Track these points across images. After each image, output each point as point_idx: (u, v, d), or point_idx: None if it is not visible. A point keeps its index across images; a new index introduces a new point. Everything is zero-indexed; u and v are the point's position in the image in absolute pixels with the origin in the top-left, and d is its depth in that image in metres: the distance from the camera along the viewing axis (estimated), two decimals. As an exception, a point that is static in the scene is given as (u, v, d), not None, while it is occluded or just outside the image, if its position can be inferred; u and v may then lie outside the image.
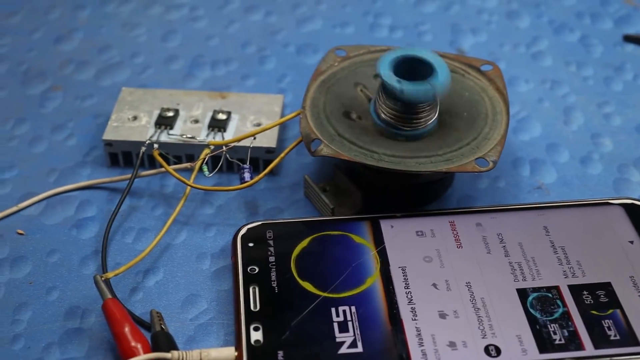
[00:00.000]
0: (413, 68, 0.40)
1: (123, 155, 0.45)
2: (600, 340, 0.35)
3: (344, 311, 0.37)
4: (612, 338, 0.36)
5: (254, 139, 0.43)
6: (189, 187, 0.42)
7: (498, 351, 0.35)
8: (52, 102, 0.50)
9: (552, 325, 0.36)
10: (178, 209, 0.42)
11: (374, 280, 0.38)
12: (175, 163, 0.44)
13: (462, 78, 0.44)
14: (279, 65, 0.53)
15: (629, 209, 0.41)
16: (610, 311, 0.37)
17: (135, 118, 0.46)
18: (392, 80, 0.39)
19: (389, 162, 0.39)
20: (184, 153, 0.45)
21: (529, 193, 0.44)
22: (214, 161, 0.44)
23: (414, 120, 0.41)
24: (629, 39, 0.54)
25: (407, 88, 0.39)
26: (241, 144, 0.43)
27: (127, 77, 0.52)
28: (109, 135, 0.45)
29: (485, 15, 0.57)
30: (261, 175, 0.42)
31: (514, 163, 0.46)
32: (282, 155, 0.42)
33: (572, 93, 0.51)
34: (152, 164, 0.45)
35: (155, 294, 0.39)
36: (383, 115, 0.41)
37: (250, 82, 0.52)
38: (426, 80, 0.39)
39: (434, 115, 0.41)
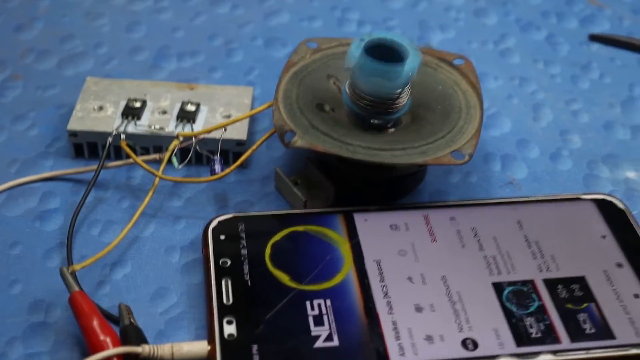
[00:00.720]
0: (383, 54, 0.40)
1: (88, 146, 0.44)
2: (576, 333, 0.35)
3: (319, 304, 0.36)
4: (587, 331, 0.36)
5: (225, 130, 0.42)
6: (157, 178, 0.41)
7: (475, 345, 0.35)
8: (12, 91, 0.49)
9: (528, 318, 0.36)
10: (147, 200, 0.40)
11: (347, 273, 0.37)
12: (143, 155, 0.43)
13: (434, 72, 0.44)
14: (246, 58, 0.52)
15: (600, 205, 0.42)
16: (585, 305, 0.37)
17: (101, 108, 0.44)
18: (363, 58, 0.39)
19: (364, 154, 0.39)
20: (151, 145, 0.43)
21: (500, 188, 0.44)
22: (183, 153, 0.43)
23: (391, 105, 0.40)
24: (594, 38, 0.55)
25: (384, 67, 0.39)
26: (211, 135, 0.42)
27: (91, 68, 0.50)
28: (73, 125, 0.43)
29: (453, 12, 0.57)
30: (232, 167, 0.41)
31: (485, 158, 0.46)
32: (254, 147, 0.41)
33: (541, 90, 0.51)
34: (118, 155, 0.44)
35: (123, 288, 0.38)
36: (357, 102, 0.40)
37: (217, 75, 0.51)
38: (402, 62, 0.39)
39: (406, 99, 0.41)
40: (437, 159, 0.39)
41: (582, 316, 0.36)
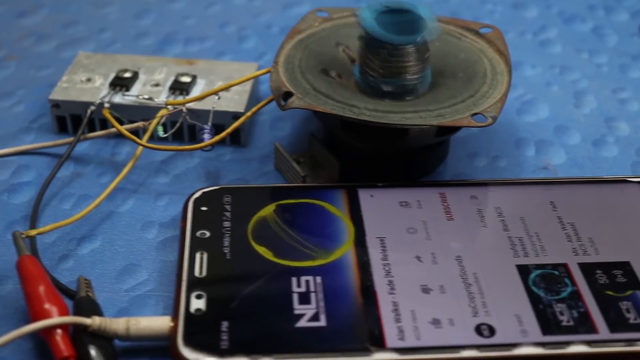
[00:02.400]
0: (397, 21, 0.36)
1: (72, 119, 0.40)
2: (617, 323, 0.29)
3: (307, 281, 0.30)
4: (631, 321, 0.29)
5: (218, 98, 0.38)
6: (140, 148, 0.37)
7: (492, 331, 0.29)
8: (3, 70, 0.45)
9: (558, 305, 0.30)
10: (125, 170, 0.36)
11: (345, 250, 0.32)
12: (130, 128, 0.39)
13: (458, 40, 0.39)
14: (259, 43, 0.48)
15: (651, 187, 0.36)
16: (630, 292, 0.30)
17: (89, 80, 0.40)
18: (378, 30, 0.34)
19: (370, 116, 0.34)
20: (140, 117, 0.39)
21: (533, 173, 0.38)
22: (173, 125, 0.38)
23: (403, 69, 0.35)
24: (647, 29, 0.49)
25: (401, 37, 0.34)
26: (204, 107, 0.38)
27: (91, 50, 0.47)
28: (56, 95, 0.40)
29: (489, 5, 0.52)
30: (222, 134, 0.36)
31: (517, 143, 0.40)
32: (248, 113, 0.37)
33: (584, 78, 0.45)
34: (105, 128, 0.40)
35: (87, 263, 0.33)
36: (370, 72, 0.36)
37: (225, 59, 0.47)
38: (415, 28, 0.35)
39: (424, 68, 0.36)
40: (456, 121, 0.33)
41: (625, 304, 0.30)
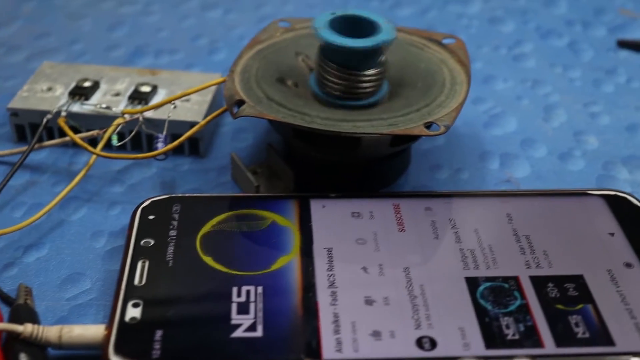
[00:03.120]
0: (352, 29, 0.35)
1: (30, 128, 0.39)
2: (564, 337, 0.28)
3: (248, 291, 0.30)
4: (579, 336, 0.28)
5: (174, 107, 0.38)
6: (93, 157, 0.36)
7: (433, 344, 0.28)
8: (-31, 80, 0.45)
9: (505, 318, 0.29)
10: (77, 179, 0.35)
11: (290, 259, 0.31)
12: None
13: (420, 51, 0.38)
14: (229, 56, 0.48)
15: (611, 201, 0.34)
16: (580, 306, 0.29)
17: (49, 89, 0.40)
18: (335, 39, 0.34)
19: (321, 124, 0.33)
20: (98, 126, 0.38)
21: (495, 186, 0.38)
22: (130, 134, 0.38)
23: (361, 86, 0.35)
24: (623, 44, 0.48)
25: (357, 42, 0.34)
26: (162, 117, 0.38)
27: (60, 61, 0.47)
28: (15, 104, 0.39)
29: (464, 20, 0.52)
30: (175, 143, 0.35)
31: (482, 156, 0.39)
32: (202, 122, 0.36)
33: (556, 92, 0.44)
34: (64, 137, 0.39)
35: (32, 271, 0.33)
36: (326, 86, 0.35)
37: (194, 70, 0.46)
38: (370, 35, 0.34)
39: (383, 83, 0.35)
40: (407, 130, 0.33)
41: (574, 318, 0.29)
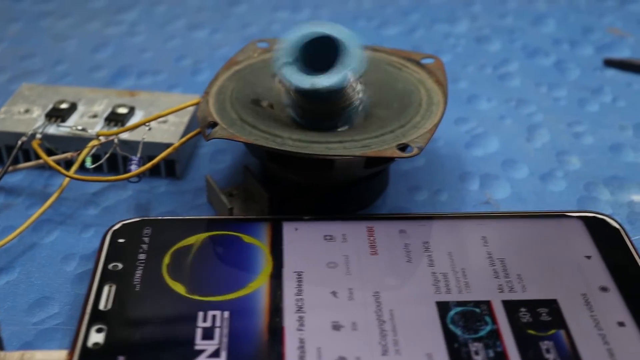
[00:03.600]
0: (318, 49, 0.35)
1: (7, 150, 0.39)
2: (534, 363, 0.28)
3: (214, 316, 0.29)
4: (550, 362, 0.28)
5: (148, 129, 0.37)
6: (66, 179, 0.36)
7: (399, 370, 0.27)
8: (-49, 102, 0.45)
9: (474, 344, 0.28)
10: (49, 202, 0.35)
11: (259, 284, 0.31)
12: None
13: (398, 71, 0.38)
14: (212, 76, 0.47)
15: (590, 223, 0.34)
16: (553, 331, 0.29)
17: (27, 111, 0.40)
18: (297, 80, 0.33)
19: (292, 146, 0.33)
20: (73, 148, 0.38)
21: (474, 207, 0.37)
22: (109, 157, 0.38)
23: (332, 115, 0.35)
24: (609, 63, 0.48)
25: (319, 82, 0.33)
26: (137, 139, 0.37)
27: (42, 82, 0.47)
28: (-8, 126, 0.39)
29: (451, 39, 0.51)
30: (148, 165, 0.35)
31: (462, 177, 0.39)
32: (176, 144, 0.36)
33: (540, 112, 0.44)
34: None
35: (1, 295, 0.32)
36: (298, 114, 0.35)
37: (176, 91, 0.46)
38: (337, 65, 0.34)
39: (352, 103, 0.35)
40: (379, 152, 0.32)
41: (546, 344, 0.28)
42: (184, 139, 0.36)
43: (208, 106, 0.35)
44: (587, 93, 0.46)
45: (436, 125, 0.34)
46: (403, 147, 0.33)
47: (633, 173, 0.39)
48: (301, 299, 0.30)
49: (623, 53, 0.50)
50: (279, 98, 0.37)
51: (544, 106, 0.45)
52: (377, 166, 0.35)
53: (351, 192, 0.36)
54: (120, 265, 0.32)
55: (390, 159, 0.34)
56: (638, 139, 0.42)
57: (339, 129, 0.35)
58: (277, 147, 0.33)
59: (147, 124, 0.37)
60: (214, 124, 0.34)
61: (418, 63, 0.38)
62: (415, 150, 0.32)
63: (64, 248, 0.35)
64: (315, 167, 0.34)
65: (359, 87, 0.35)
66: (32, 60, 0.49)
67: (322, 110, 0.35)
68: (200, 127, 0.34)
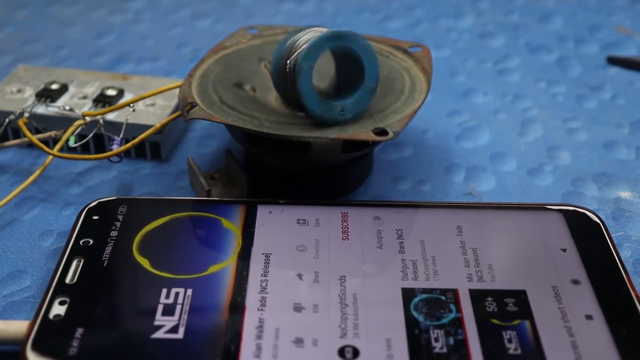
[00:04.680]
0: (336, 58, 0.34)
1: (-3, 129, 0.40)
2: (493, 353, 0.27)
3: (177, 293, 0.29)
4: (510, 352, 0.27)
5: (132, 110, 0.37)
6: (49, 157, 0.36)
7: (355, 353, 0.27)
8: (-48, 82, 0.46)
9: (435, 331, 0.28)
10: (31, 179, 0.35)
11: (226, 264, 0.31)
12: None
13: (385, 59, 0.38)
14: (210, 64, 0.48)
15: (569, 216, 0.33)
16: (517, 322, 0.28)
17: (19, 91, 0.41)
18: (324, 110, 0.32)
19: (269, 128, 0.33)
20: (61, 128, 0.39)
21: (456, 198, 0.36)
22: (96, 136, 0.38)
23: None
24: (613, 61, 0.47)
25: (347, 103, 0.33)
26: (123, 120, 0.38)
27: (42, 65, 0.47)
28: (-17, 104, 0.40)
29: (454, 34, 0.51)
30: (128, 145, 0.35)
31: (448, 168, 0.38)
32: (157, 125, 0.36)
33: (536, 107, 0.43)
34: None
35: (-26, 267, 0.33)
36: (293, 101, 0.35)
37: (173, 77, 0.46)
38: (358, 85, 0.33)
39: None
40: (354, 135, 0.32)
41: (508, 334, 0.28)
42: (164, 121, 0.36)
43: (190, 88, 0.35)
44: (586, 90, 0.45)
45: (415, 111, 0.33)
46: (380, 132, 0.32)
47: (623, 170, 0.38)
48: (266, 279, 0.30)
49: (629, 51, 0.49)
50: (263, 82, 0.37)
51: (540, 102, 0.44)
52: (356, 151, 0.34)
53: (331, 178, 0.36)
54: (91, 241, 0.32)
55: (366, 143, 0.34)
56: (633, 136, 0.41)
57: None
58: (253, 129, 0.33)
59: (131, 105, 0.37)
60: (193, 105, 0.34)
61: (405, 51, 0.38)
62: (390, 135, 0.32)
63: (43, 224, 0.35)
64: (292, 149, 0.34)
65: None
66: (35, 44, 0.50)
67: None
68: (181, 108, 0.34)
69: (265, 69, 0.38)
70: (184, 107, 0.34)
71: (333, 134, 0.32)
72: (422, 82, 0.36)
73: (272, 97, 0.36)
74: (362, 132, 0.32)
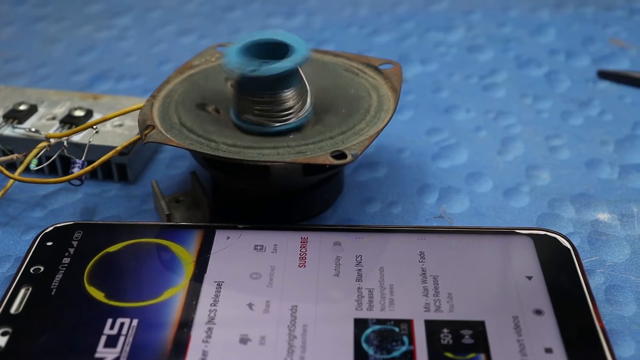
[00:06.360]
0: (268, 54, 0.34)
1: (-35, 150, 0.40)
2: (443, 389, 0.26)
3: (122, 324, 0.28)
4: (461, 388, 0.26)
5: (96, 132, 0.37)
6: (10, 181, 0.36)
7: (298, 389, 0.26)
8: None
9: (385, 365, 0.27)
10: (-10, 203, 0.35)
11: (176, 292, 0.30)
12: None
13: (355, 77, 0.37)
14: (190, 82, 0.47)
15: (539, 241, 0.32)
16: (472, 355, 0.27)
17: (-11, 112, 0.40)
18: (240, 65, 0.33)
19: (226, 152, 0.32)
20: (28, 150, 0.38)
21: (427, 221, 0.35)
22: (62, 159, 0.37)
23: (282, 112, 0.34)
24: (603, 75, 0.45)
25: (263, 68, 0.32)
26: (83, 141, 0.37)
27: (22, 85, 0.47)
28: (-49, 126, 0.39)
29: (442, 48, 0.50)
30: (88, 168, 0.35)
31: (421, 190, 0.37)
32: (118, 148, 0.35)
33: (519, 124, 0.42)
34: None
35: None
36: (241, 112, 0.34)
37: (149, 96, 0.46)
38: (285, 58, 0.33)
39: (306, 107, 0.34)
40: (311, 158, 0.31)
41: (461, 369, 0.26)
42: (125, 143, 0.35)
43: (151, 110, 0.35)
44: (573, 105, 0.43)
45: (377, 133, 0.32)
46: (338, 155, 0.31)
47: (604, 190, 0.37)
48: (215, 309, 0.29)
49: (622, 65, 0.47)
50: (227, 103, 0.36)
51: (524, 118, 0.42)
52: (317, 174, 0.33)
53: (296, 201, 0.35)
54: (42, 268, 0.31)
55: (324, 167, 0.32)
56: (618, 154, 0.39)
57: (289, 126, 0.34)
58: (209, 153, 0.32)
59: (94, 127, 0.36)
60: (152, 128, 0.33)
61: (376, 68, 0.37)
62: (349, 158, 0.31)
63: (1, 249, 0.34)
64: (251, 173, 0.33)
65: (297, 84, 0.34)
66: (16, 62, 0.49)
67: (263, 104, 0.33)
68: (139, 130, 0.34)
69: (232, 88, 0.37)
70: (143, 130, 0.33)
71: (289, 157, 0.31)
72: (390, 101, 0.35)
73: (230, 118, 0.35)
74: (321, 155, 0.31)
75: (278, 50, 0.34)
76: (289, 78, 0.33)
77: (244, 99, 0.34)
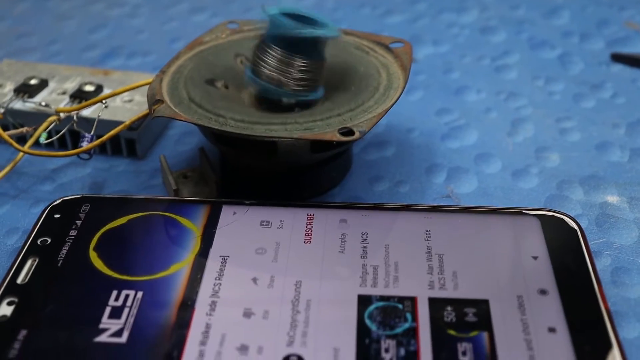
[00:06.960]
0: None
1: (-25, 124, 0.40)
2: (445, 365, 0.26)
3: (127, 296, 0.29)
4: (463, 365, 0.26)
5: (105, 107, 0.37)
6: (20, 154, 0.36)
7: (300, 363, 0.26)
8: (-57, 76, 0.46)
9: (387, 341, 0.27)
10: (1, 175, 0.35)
11: (181, 266, 0.30)
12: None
13: (365, 55, 0.36)
14: (201, 60, 0.47)
15: (545, 221, 0.32)
16: (475, 333, 0.27)
17: (0, 86, 0.40)
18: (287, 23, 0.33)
19: (233, 127, 0.32)
20: (39, 124, 0.38)
21: (434, 200, 0.35)
22: (72, 133, 0.38)
23: (294, 75, 0.33)
24: (617, 58, 0.45)
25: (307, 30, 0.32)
26: (93, 115, 0.37)
27: (33, 60, 0.47)
28: (-38, 99, 0.40)
29: (455, 29, 0.49)
30: (96, 142, 0.35)
31: (429, 169, 0.37)
32: (127, 123, 0.35)
33: (530, 106, 0.41)
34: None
35: (-64, 264, 0.33)
36: (260, 73, 0.34)
37: (161, 73, 0.46)
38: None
39: (315, 83, 0.34)
40: (319, 134, 0.31)
41: (463, 346, 0.26)
42: (134, 118, 0.35)
43: (160, 85, 0.35)
44: (585, 88, 0.43)
45: (386, 111, 0.32)
46: (346, 132, 0.31)
47: (614, 173, 0.36)
48: (219, 283, 0.29)
49: (636, 48, 0.47)
50: (237, 78, 0.36)
51: (535, 100, 0.42)
52: (324, 151, 0.33)
53: (304, 178, 0.35)
54: (49, 240, 0.31)
55: (331, 143, 0.32)
56: (629, 137, 0.39)
57: (295, 109, 0.34)
58: (217, 127, 0.32)
59: (103, 101, 0.36)
60: (160, 102, 0.33)
61: (387, 47, 0.37)
62: (357, 135, 0.31)
63: (10, 222, 0.35)
64: (260, 149, 0.33)
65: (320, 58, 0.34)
66: (28, 38, 0.50)
67: (284, 64, 0.33)
68: (148, 105, 0.34)
69: (241, 64, 0.37)
70: (151, 104, 0.33)
71: (297, 133, 0.31)
72: (400, 79, 0.35)
73: (246, 94, 0.35)
74: (328, 131, 0.31)
75: (310, 23, 0.33)
76: (318, 47, 0.33)
77: (265, 53, 0.34)
